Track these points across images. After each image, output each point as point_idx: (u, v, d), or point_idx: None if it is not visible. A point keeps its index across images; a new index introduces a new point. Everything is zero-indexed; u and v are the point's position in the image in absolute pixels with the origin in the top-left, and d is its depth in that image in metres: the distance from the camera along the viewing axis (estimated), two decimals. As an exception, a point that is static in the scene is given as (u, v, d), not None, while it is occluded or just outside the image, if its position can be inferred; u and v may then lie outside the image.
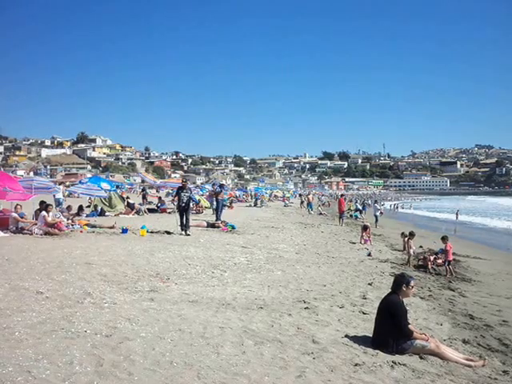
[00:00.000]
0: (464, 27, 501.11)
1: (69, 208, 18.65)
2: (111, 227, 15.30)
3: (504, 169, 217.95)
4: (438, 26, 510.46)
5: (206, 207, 28.49)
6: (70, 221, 15.47)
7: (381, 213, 29.55)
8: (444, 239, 12.45)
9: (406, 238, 13.82)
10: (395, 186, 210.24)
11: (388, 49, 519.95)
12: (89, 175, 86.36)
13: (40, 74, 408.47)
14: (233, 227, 17.69)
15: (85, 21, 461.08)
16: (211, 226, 17.90)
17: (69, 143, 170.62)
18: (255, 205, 40.11)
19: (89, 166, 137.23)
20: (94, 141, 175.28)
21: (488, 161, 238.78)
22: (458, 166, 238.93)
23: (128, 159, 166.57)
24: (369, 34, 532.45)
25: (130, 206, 23.23)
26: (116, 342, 4.70)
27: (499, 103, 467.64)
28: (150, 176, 38.71)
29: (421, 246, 15.91)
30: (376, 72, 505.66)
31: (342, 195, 31.13)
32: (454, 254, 14.13)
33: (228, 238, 15.06)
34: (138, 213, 22.90)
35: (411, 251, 13.07)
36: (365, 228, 17.42)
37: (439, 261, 12.50)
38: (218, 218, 19.47)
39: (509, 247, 20.36)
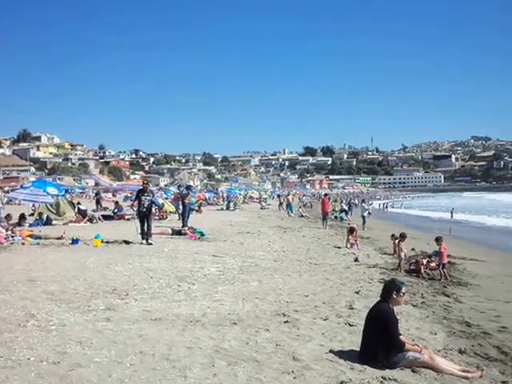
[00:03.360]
0: (460, 9, 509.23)
1: (8, 217, 18.19)
2: (59, 238, 15.11)
3: (502, 162, 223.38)
4: (431, 8, 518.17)
5: (170, 212, 28.47)
6: (9, 232, 15.15)
7: (369, 213, 29.90)
8: (438, 240, 12.69)
9: (397, 241, 14.01)
10: (385, 184, 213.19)
11: (375, 35, 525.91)
12: (32, 179, 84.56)
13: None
14: (202, 234, 17.68)
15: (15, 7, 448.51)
16: (177, 233, 17.93)
17: (8, 142, 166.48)
18: (227, 208, 40.14)
19: (32, 168, 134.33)
20: (38, 139, 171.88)
21: (485, 154, 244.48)
22: (453, 159, 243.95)
23: (79, 159, 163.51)
24: (354, 18, 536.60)
25: (82, 213, 22.99)
26: (65, 369, 4.63)
27: (497, 91, 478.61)
28: (105, 178, 37.84)
29: (413, 249, 16.14)
30: (362, 60, 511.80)
31: (325, 195, 31.37)
32: (448, 256, 14.35)
33: (196, 246, 15.07)
34: (90, 220, 22.73)
35: (402, 254, 13.25)
36: (351, 230, 17.60)
37: (433, 264, 12.73)
38: (184, 224, 19.47)
39: (508, 247, 20.88)
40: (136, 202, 15.70)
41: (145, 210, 15.22)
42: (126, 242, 14.56)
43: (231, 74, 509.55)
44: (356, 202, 53.83)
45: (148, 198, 15.41)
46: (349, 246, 16.97)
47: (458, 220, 39.17)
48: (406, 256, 13.71)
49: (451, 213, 41.11)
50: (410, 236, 17.31)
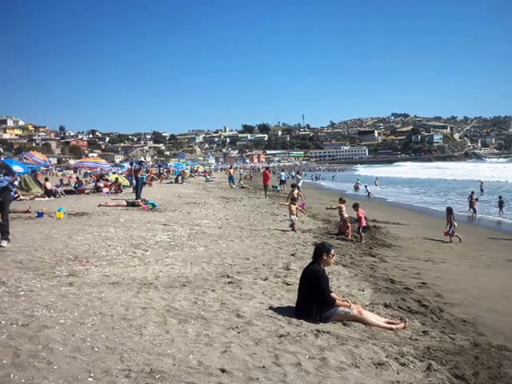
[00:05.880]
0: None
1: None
2: (26, 211, 14.76)
3: (419, 136, 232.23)
4: None
5: (125, 186, 28.60)
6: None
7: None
8: (355, 207, 12.76)
9: (343, 204, 13.75)
10: (316, 157, 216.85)
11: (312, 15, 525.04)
12: (2, 158, 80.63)
13: None
14: (154, 205, 17.68)
15: None
16: (131, 204, 18.06)
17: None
18: (176, 181, 39.67)
19: (0, 149, 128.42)
20: (4, 122, 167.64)
21: (404, 129, 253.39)
22: (376, 134, 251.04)
23: (42, 140, 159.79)
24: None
25: (48, 193, 22.33)
26: (34, 330, 4.55)
27: (413, 71, 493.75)
28: (39, 155, 34.82)
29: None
30: (293, 43, 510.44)
31: (267, 168, 31.44)
32: (374, 220, 14.76)
33: (149, 216, 15.06)
34: (54, 195, 22.42)
35: (345, 215, 13.22)
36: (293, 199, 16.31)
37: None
38: (138, 197, 19.70)
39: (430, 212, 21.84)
40: None
41: None
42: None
43: (176, 60, 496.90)
44: (293, 173, 54.16)
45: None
46: (299, 205, 15.60)
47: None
48: (348, 218, 13.38)
49: (375, 183, 42.53)
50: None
